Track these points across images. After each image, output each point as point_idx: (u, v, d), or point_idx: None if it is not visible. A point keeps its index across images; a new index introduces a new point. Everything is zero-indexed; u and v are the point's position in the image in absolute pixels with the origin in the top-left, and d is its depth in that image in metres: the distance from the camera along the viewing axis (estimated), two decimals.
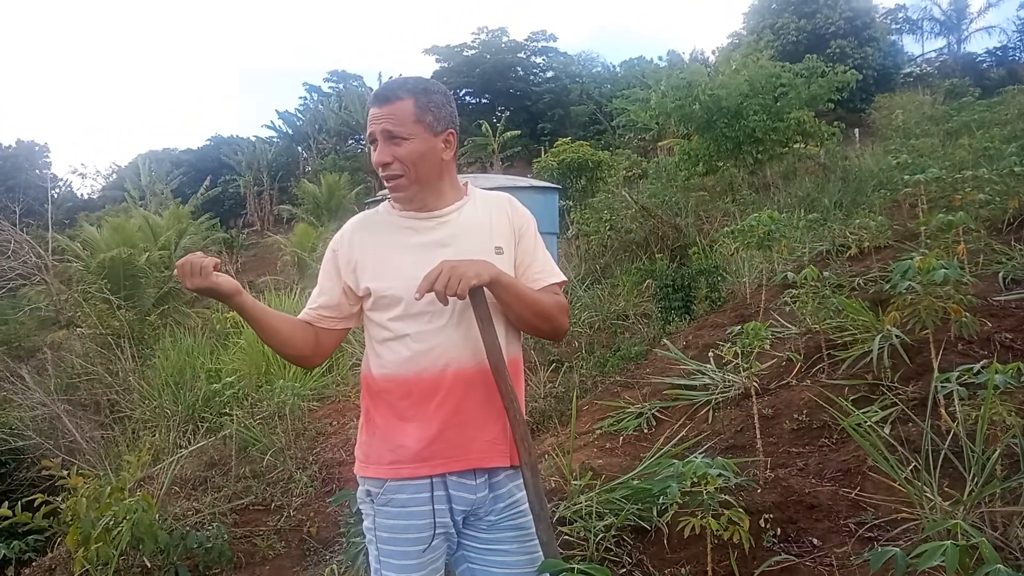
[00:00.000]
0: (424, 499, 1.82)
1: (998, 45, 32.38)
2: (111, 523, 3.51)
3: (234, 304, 1.81)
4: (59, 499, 3.63)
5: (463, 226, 1.89)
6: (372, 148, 1.86)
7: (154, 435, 6.44)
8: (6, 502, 3.71)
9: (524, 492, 1.89)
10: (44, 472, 3.91)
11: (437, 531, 1.84)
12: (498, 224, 1.94)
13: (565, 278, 2.02)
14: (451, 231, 1.88)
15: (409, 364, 1.82)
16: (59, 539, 4.34)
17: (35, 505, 3.64)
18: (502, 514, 1.90)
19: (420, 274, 1.73)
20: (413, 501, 1.82)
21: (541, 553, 1.84)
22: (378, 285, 1.84)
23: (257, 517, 4.62)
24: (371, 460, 1.87)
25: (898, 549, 1.74)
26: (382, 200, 2.04)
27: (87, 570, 3.48)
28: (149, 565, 3.72)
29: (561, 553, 2.77)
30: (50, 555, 4.45)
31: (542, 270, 1.96)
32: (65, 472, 3.72)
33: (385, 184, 1.87)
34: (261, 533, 4.35)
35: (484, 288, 1.76)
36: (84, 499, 3.49)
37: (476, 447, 1.84)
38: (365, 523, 1.92)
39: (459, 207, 1.92)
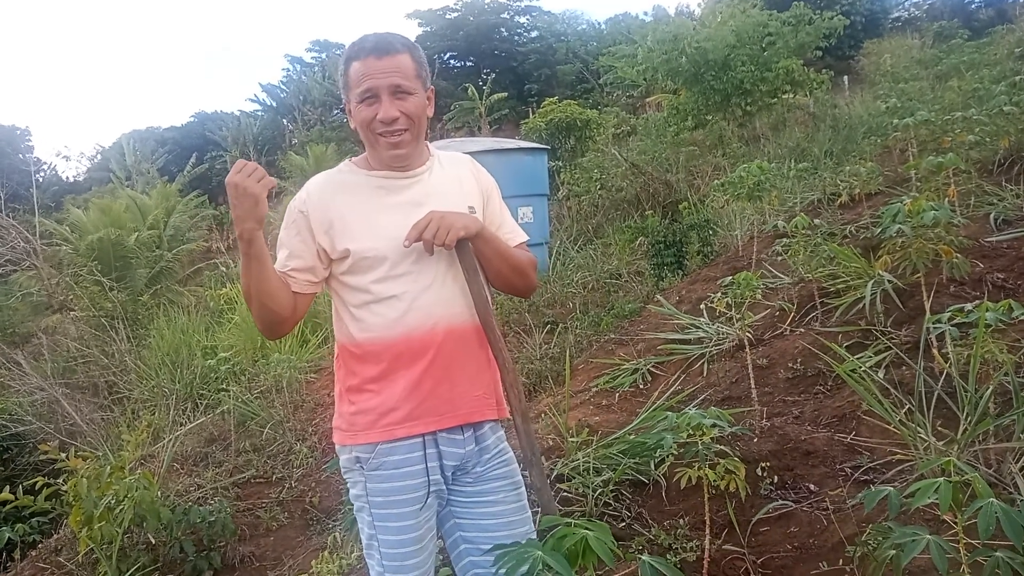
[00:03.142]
0: (417, 458, 1.82)
1: None
2: (113, 502, 3.53)
3: (253, 231, 1.72)
4: (60, 481, 3.65)
5: (435, 185, 1.89)
6: (366, 103, 1.77)
7: (153, 414, 6.45)
8: (7, 487, 3.73)
9: (506, 444, 1.94)
10: (45, 456, 3.92)
11: (432, 489, 1.84)
12: (467, 184, 1.96)
13: (528, 237, 2.06)
14: (424, 190, 1.87)
15: (397, 325, 1.80)
16: (63, 521, 4.37)
17: (36, 488, 3.66)
18: (487, 465, 1.91)
19: (402, 234, 1.75)
20: (406, 461, 1.81)
21: (526, 502, 1.88)
22: (359, 246, 1.79)
23: (259, 490, 4.65)
24: (359, 426, 1.84)
25: (892, 488, 1.75)
26: None
27: (92, 549, 3.50)
28: (153, 541, 3.75)
29: (558, 505, 2.80)
30: (55, 537, 4.48)
31: (512, 230, 2.01)
32: (63, 455, 3.73)
33: (384, 141, 1.79)
34: (264, 505, 4.38)
35: (468, 242, 1.79)
36: (85, 480, 3.50)
37: (465, 402, 1.85)
38: (354, 491, 1.89)
39: (429, 167, 1.91)
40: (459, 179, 1.95)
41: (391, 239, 1.78)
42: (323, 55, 40.10)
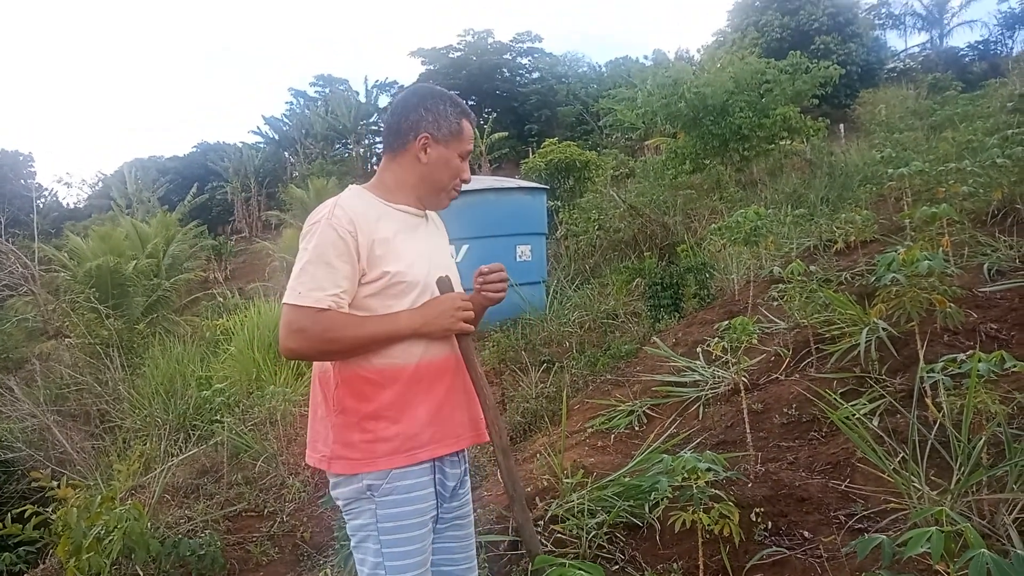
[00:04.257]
0: (427, 482, 1.91)
1: (980, 39, 32.74)
2: (102, 532, 3.50)
3: (423, 332, 1.92)
4: (49, 510, 3.62)
5: (433, 228, 2.11)
6: (461, 158, 2.01)
7: (145, 444, 6.39)
8: None
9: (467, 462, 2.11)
10: (35, 484, 3.89)
11: (438, 512, 1.95)
12: (444, 232, 2.23)
13: None
14: (429, 231, 2.07)
15: (421, 351, 1.90)
16: (50, 550, 4.32)
17: (25, 517, 3.62)
18: (465, 487, 2.07)
19: (428, 263, 1.97)
20: (417, 485, 1.88)
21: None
22: (397, 268, 1.87)
23: (250, 523, 4.61)
24: (379, 453, 1.86)
25: (885, 537, 1.76)
26: None
27: None
28: (142, 574, 3.71)
29: (543, 543, 2.78)
30: (41, 567, 4.43)
31: None
32: (55, 483, 3.70)
33: (453, 196, 2.05)
34: (254, 539, 4.34)
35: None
36: (74, 509, 3.47)
37: (473, 424, 1.99)
38: (359, 521, 1.90)
39: (427, 212, 2.11)
40: (438, 227, 2.19)
41: (422, 268, 1.94)
42: (326, 90, 40.59)
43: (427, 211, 2.09)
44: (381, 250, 1.85)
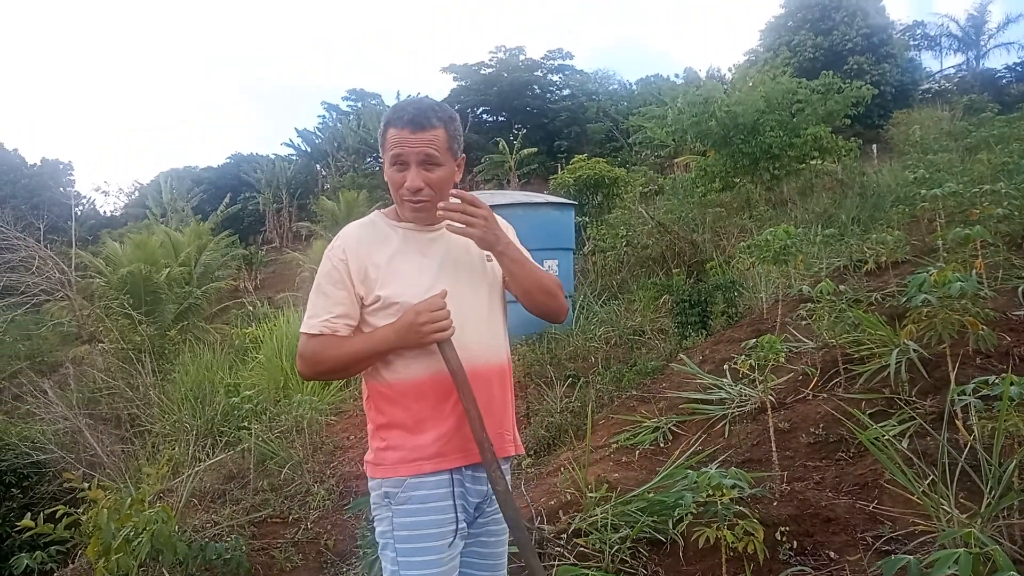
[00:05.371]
0: (444, 494, 1.90)
1: (1017, 61, 31.96)
2: (131, 534, 3.55)
3: (400, 347, 1.90)
4: (80, 511, 3.68)
5: (453, 241, 2.00)
6: (396, 168, 1.92)
7: (174, 448, 6.50)
8: (28, 514, 3.76)
9: (509, 477, 2.09)
10: (65, 485, 3.96)
11: (459, 527, 1.91)
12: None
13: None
14: (445, 245, 2.01)
15: (425, 368, 1.92)
16: (80, 551, 4.39)
17: (56, 517, 3.69)
18: (494, 504, 2.01)
19: (427, 282, 1.91)
20: (433, 497, 1.89)
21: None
22: (390, 292, 1.91)
23: (275, 530, 4.66)
24: (388, 461, 1.93)
25: (911, 557, 1.74)
26: None
27: None
28: None
29: (564, 555, 2.78)
30: (71, 566, 4.51)
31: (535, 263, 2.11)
32: (86, 484, 3.77)
33: (408, 205, 1.94)
34: (279, 545, 4.38)
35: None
36: (105, 510, 3.54)
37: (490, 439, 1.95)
38: (380, 528, 1.95)
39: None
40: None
41: (419, 287, 1.91)
42: (359, 104, 40.98)
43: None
44: (375, 274, 1.92)
